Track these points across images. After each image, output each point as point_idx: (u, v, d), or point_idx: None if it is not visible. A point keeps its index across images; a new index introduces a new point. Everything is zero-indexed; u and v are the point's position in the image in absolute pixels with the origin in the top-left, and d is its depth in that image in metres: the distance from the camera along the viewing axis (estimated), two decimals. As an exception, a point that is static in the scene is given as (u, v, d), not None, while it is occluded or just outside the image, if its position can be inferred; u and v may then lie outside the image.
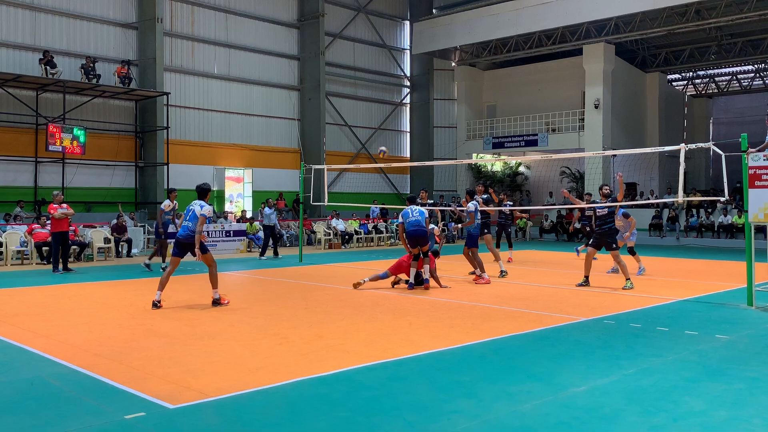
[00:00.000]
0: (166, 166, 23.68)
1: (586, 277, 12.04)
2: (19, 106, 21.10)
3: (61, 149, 20.82)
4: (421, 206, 12.95)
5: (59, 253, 14.89)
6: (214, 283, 9.93)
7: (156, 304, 9.58)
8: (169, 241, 14.66)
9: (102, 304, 10.04)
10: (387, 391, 5.47)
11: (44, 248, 16.87)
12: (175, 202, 15.07)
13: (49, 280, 13.43)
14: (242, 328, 8.12)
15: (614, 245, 11.88)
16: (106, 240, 18.59)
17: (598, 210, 12.19)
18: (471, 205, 13.20)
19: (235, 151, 27.09)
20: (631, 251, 14.50)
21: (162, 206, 14.98)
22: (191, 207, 10.04)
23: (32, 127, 21.50)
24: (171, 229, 14.98)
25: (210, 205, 10.17)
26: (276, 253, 19.10)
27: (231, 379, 5.74)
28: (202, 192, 10.14)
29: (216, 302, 9.84)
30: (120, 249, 19.08)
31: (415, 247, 11.90)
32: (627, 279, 11.72)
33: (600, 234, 11.99)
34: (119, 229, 19.20)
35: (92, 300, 10.59)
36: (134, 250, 19.60)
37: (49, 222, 17.05)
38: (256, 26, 27.77)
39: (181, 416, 4.83)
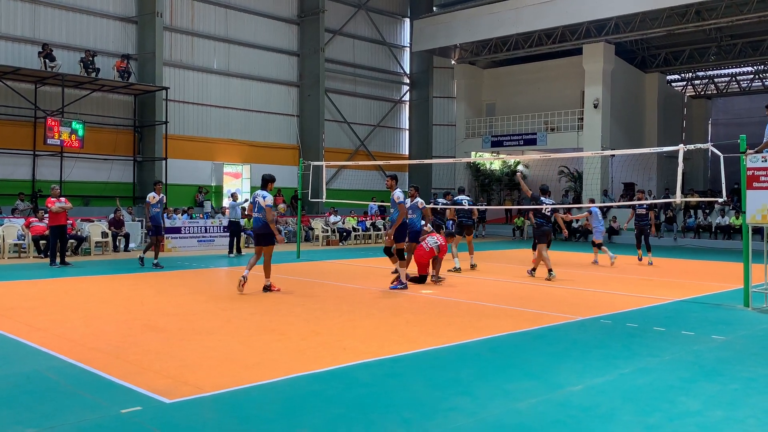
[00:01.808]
0: (164, 161, 23.64)
1: (550, 269, 12.99)
2: (17, 99, 21.06)
3: (59, 143, 20.79)
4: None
5: (57, 246, 14.87)
6: (267, 273, 10.83)
7: (242, 280, 10.57)
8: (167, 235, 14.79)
9: (99, 299, 10.04)
10: (383, 388, 5.47)
11: (42, 242, 16.86)
12: (161, 194, 14.75)
13: (46, 273, 13.41)
14: (239, 323, 8.12)
15: (540, 240, 13.36)
16: (104, 234, 18.59)
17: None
18: (418, 201, 12.77)
19: (233, 146, 27.06)
20: (594, 245, 16.78)
21: (147, 199, 14.79)
22: (256, 198, 10.85)
23: (31, 120, 21.46)
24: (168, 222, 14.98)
25: (270, 193, 10.98)
26: (239, 251, 18.47)
27: (227, 375, 5.74)
28: (264, 182, 11.11)
29: (267, 288, 10.81)
30: (117, 243, 19.07)
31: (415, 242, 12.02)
32: (549, 270, 12.90)
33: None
34: (117, 224, 19.20)
35: (89, 294, 10.58)
36: (132, 245, 19.58)
37: (47, 216, 17.06)
38: (256, 22, 27.73)
39: (178, 411, 4.83)
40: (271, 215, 10.73)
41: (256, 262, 10.92)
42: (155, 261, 14.50)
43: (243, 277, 10.63)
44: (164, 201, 15.01)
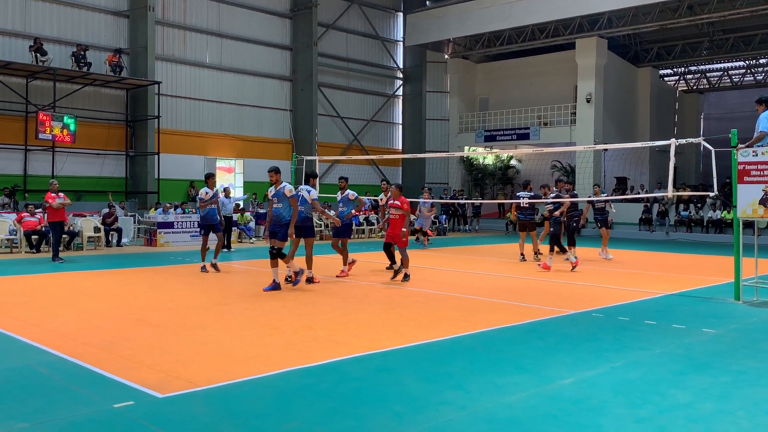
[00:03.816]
0: (156, 156, 23.58)
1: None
2: (8, 94, 20.94)
3: (51, 137, 20.70)
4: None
5: (57, 241, 14.89)
6: (309, 264, 11.22)
7: (310, 280, 11.15)
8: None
9: (91, 294, 10.02)
10: (375, 382, 5.49)
11: (33, 237, 16.80)
12: (215, 189, 13.21)
13: (38, 269, 13.38)
14: (232, 318, 8.12)
15: (521, 229, 15.72)
16: (96, 229, 18.52)
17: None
18: (349, 193, 12.92)
19: (226, 141, 26.99)
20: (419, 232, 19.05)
21: (200, 195, 13.05)
22: (300, 193, 11.10)
23: (22, 114, 21.36)
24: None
25: (313, 188, 11.41)
26: (229, 246, 17.74)
27: (220, 369, 5.74)
28: (306, 177, 11.65)
29: (309, 280, 11.13)
30: (110, 238, 19.02)
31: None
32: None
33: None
34: (109, 218, 19.12)
35: (82, 289, 10.56)
36: (124, 240, 19.53)
37: (38, 210, 16.99)
38: (249, 16, 27.63)
39: (170, 405, 4.84)
40: (320, 208, 11.45)
41: (294, 253, 11.28)
42: (214, 260, 13.06)
43: (289, 276, 11.12)
44: (219, 195, 13.54)
